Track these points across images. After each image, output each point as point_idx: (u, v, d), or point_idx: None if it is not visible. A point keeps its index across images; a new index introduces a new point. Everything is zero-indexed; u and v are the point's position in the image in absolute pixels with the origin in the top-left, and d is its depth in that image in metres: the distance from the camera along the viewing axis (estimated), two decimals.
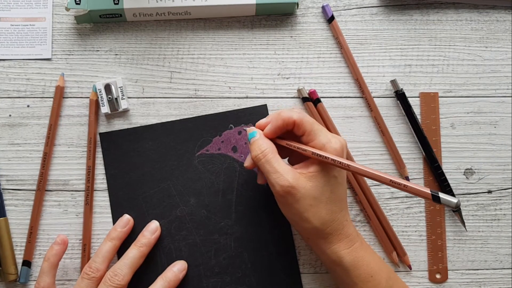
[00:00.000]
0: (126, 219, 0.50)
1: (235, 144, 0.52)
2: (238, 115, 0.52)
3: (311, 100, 0.53)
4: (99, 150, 0.52)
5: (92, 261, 0.47)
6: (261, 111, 0.52)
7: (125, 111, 0.52)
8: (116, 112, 0.52)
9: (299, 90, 0.53)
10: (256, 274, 0.50)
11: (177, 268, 0.49)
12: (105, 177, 0.52)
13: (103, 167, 0.52)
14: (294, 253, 0.51)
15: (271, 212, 0.51)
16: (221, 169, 0.52)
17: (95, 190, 0.51)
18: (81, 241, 0.51)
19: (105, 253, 0.47)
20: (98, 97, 0.51)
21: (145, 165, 0.52)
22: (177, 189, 0.51)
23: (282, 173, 0.43)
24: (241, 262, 0.51)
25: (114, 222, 0.51)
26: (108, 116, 0.52)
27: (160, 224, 0.51)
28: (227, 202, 0.51)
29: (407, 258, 0.52)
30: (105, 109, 0.51)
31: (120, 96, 0.51)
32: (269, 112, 0.53)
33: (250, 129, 0.46)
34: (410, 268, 0.52)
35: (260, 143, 0.45)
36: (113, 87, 0.51)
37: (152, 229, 0.50)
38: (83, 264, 0.50)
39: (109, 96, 0.51)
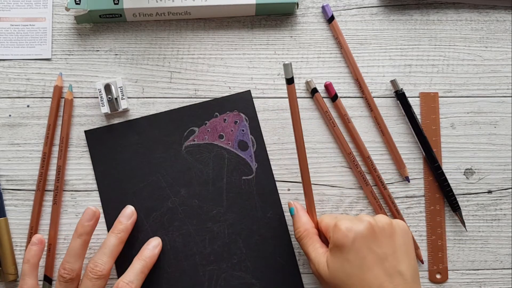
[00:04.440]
0: (91, 212, 0.48)
1: (222, 132, 0.52)
2: (223, 102, 0.52)
3: (328, 97, 0.53)
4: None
5: (65, 261, 0.46)
6: (245, 97, 0.53)
7: (125, 111, 0.52)
8: (116, 112, 0.52)
9: (307, 83, 0.52)
10: (252, 259, 0.51)
11: (152, 245, 0.49)
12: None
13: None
14: (287, 234, 0.51)
15: (262, 197, 0.52)
16: (209, 157, 0.52)
17: (91, 191, 0.51)
18: None
19: (77, 250, 0.47)
20: (96, 97, 0.51)
21: (133, 159, 0.52)
22: (166, 181, 0.51)
23: (312, 259, 0.46)
24: (236, 248, 0.51)
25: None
26: (108, 116, 0.52)
27: (152, 217, 0.51)
28: (218, 190, 0.51)
29: (419, 252, 0.52)
30: (105, 109, 0.51)
31: (120, 96, 0.51)
32: (253, 99, 0.53)
33: (290, 204, 0.50)
34: (422, 263, 0.52)
35: (297, 226, 0.48)
36: (113, 87, 0.51)
37: (127, 214, 0.49)
38: (47, 264, 0.50)
39: (109, 96, 0.51)
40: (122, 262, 0.49)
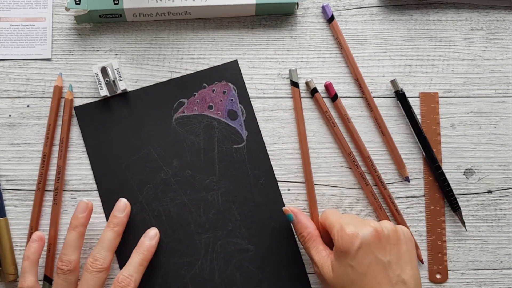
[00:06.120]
0: (84, 204, 0.49)
1: (211, 102, 0.52)
2: (210, 73, 0.53)
3: (328, 97, 0.53)
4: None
5: (62, 254, 0.47)
6: (233, 67, 0.53)
7: (124, 92, 0.52)
8: (115, 94, 0.51)
9: (307, 83, 0.52)
10: (247, 225, 0.51)
11: (149, 236, 0.49)
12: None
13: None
14: (281, 200, 0.52)
15: (254, 164, 0.52)
16: (199, 128, 0.52)
17: (91, 191, 0.51)
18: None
19: (73, 243, 0.47)
20: (97, 97, 0.51)
21: (123, 133, 0.52)
22: (158, 153, 0.52)
23: (315, 262, 0.46)
24: (230, 215, 0.51)
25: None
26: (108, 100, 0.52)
27: (146, 189, 0.51)
28: (210, 159, 0.52)
29: (419, 252, 0.52)
30: (104, 92, 0.51)
31: (117, 78, 0.51)
32: (240, 68, 0.53)
33: (286, 211, 0.49)
34: (422, 263, 0.52)
35: (298, 228, 0.48)
36: (109, 70, 0.51)
37: (121, 207, 0.50)
38: (47, 264, 0.50)
39: (106, 79, 0.51)
40: (120, 247, 0.50)
